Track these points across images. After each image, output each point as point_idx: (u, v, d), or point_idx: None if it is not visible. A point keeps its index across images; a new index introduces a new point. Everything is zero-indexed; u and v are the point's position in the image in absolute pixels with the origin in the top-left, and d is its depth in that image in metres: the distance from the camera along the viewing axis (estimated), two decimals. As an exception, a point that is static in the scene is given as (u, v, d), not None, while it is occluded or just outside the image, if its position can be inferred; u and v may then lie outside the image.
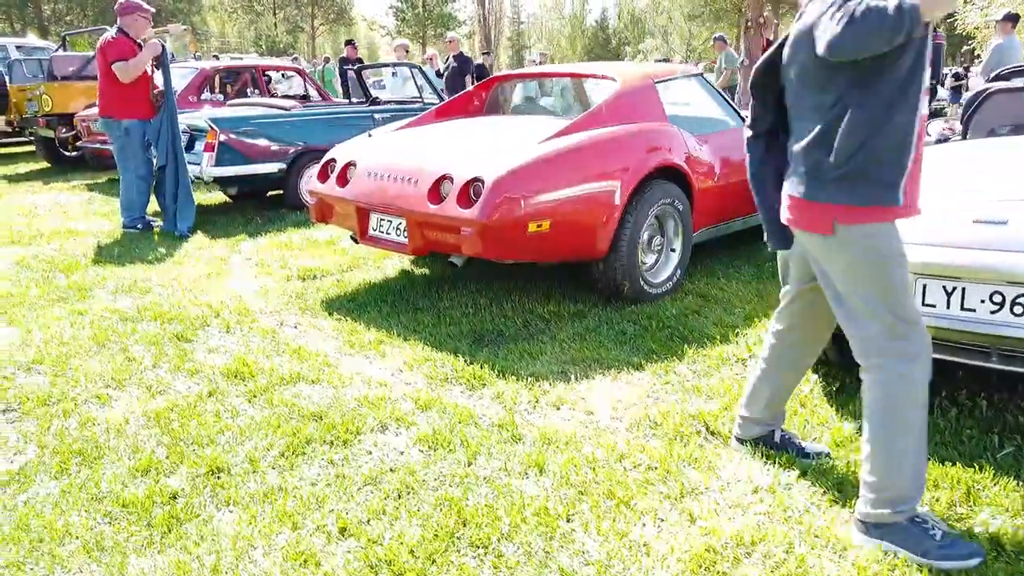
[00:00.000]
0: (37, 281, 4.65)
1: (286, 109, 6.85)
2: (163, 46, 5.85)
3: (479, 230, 3.51)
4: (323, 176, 4.37)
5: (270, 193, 7.36)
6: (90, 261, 5.15)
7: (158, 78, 5.92)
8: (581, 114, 4.33)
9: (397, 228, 3.90)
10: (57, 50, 11.21)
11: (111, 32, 5.75)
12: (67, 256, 5.27)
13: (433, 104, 7.70)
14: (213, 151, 6.27)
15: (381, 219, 4.00)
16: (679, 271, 4.27)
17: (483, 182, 3.55)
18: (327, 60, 18.73)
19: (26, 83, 10.52)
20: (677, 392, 3.02)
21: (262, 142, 6.55)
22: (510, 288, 4.34)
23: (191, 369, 3.30)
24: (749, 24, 8.37)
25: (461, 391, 3.07)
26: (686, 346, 3.49)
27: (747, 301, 4.15)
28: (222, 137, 6.28)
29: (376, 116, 7.25)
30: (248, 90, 9.72)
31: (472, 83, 12.30)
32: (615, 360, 3.34)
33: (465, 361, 3.31)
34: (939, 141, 3.76)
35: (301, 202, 6.82)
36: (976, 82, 9.23)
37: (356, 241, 4.46)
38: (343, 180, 4.21)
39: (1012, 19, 8.20)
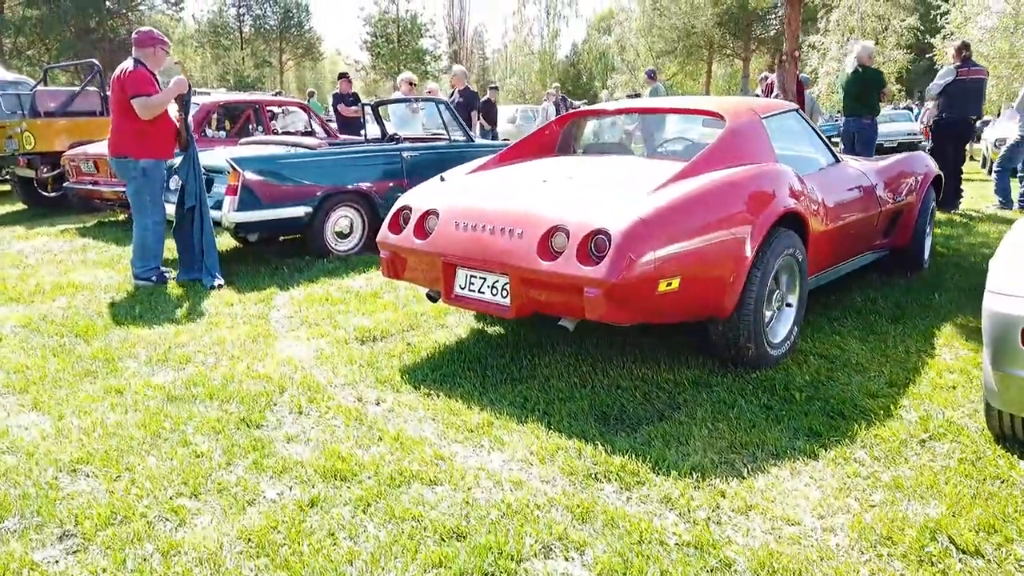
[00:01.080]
0: (54, 350, 4.00)
1: (311, 148, 6.30)
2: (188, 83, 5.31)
3: (607, 291, 3.00)
4: (396, 226, 3.83)
5: (282, 238, 6.79)
6: (108, 322, 4.51)
7: (172, 111, 5.36)
8: (685, 155, 3.87)
9: (495, 287, 3.38)
10: (37, 84, 10.53)
11: (128, 64, 5.18)
12: (79, 316, 4.62)
13: (461, 141, 7.25)
14: (236, 194, 5.68)
15: (473, 276, 3.46)
16: (796, 329, 3.81)
17: (608, 235, 3.05)
18: (311, 94, 18.18)
19: (3, 119, 9.81)
20: (877, 489, 2.52)
21: (288, 184, 5.98)
22: (609, 350, 3.83)
23: (276, 467, 2.71)
24: (784, 58, 8.05)
25: (616, 491, 2.53)
26: (848, 423, 3.01)
27: (878, 362, 3.69)
28: (246, 178, 5.70)
29: (405, 155, 6.74)
30: (251, 127, 9.14)
31: (479, 118, 11.88)
32: (779, 445, 2.83)
33: (604, 450, 2.78)
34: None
35: (327, 248, 6.25)
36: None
37: (433, 299, 3.93)
38: (422, 231, 3.68)
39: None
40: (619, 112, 4.80)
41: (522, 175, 3.94)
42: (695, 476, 2.60)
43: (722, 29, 38.00)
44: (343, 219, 6.38)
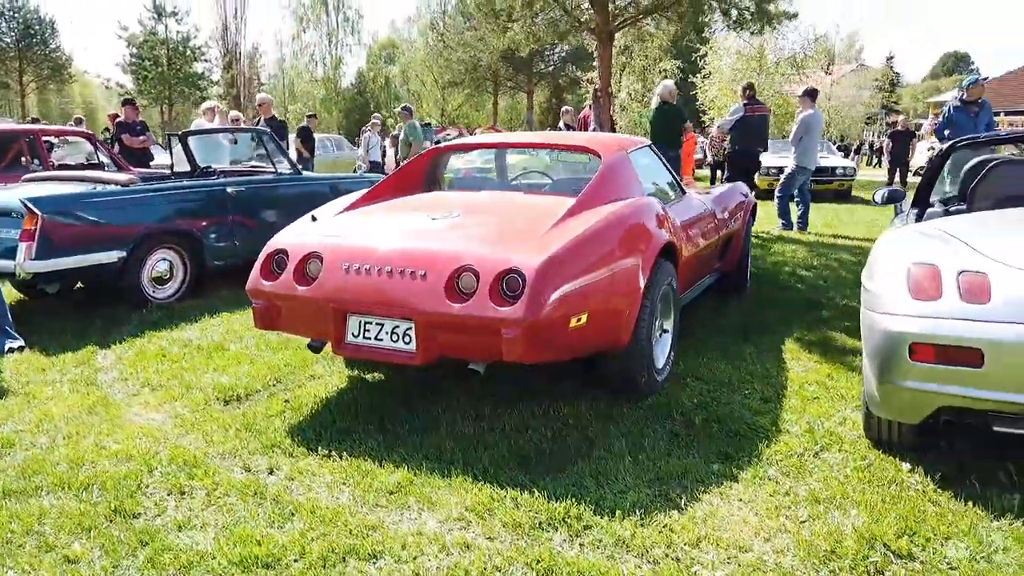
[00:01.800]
0: None
1: (121, 184, 5.60)
2: None
3: (525, 330, 2.92)
4: (268, 272, 3.48)
5: (78, 286, 5.95)
6: None
7: None
8: (565, 190, 3.92)
9: (395, 333, 3.16)
10: None
11: None
12: None
13: (288, 174, 6.84)
14: (32, 240, 4.88)
15: (368, 322, 3.22)
16: (672, 354, 3.98)
17: (521, 274, 2.98)
18: (79, 121, 16.30)
19: None
20: (799, 505, 2.67)
21: (97, 226, 5.25)
22: (502, 389, 3.74)
23: (179, 563, 2.31)
24: (599, 94, 8.51)
25: (567, 540, 2.45)
26: (749, 442, 3.17)
27: (747, 380, 3.95)
28: (45, 221, 4.92)
29: (230, 190, 6.21)
30: (23, 160, 7.97)
31: (291, 148, 11.31)
32: (700, 472, 2.90)
33: (540, 496, 2.68)
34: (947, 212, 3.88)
35: (145, 296, 5.56)
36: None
37: (316, 350, 3.62)
38: (302, 276, 3.37)
39: (811, 94, 9.24)
40: (491, 147, 4.76)
41: (406, 213, 3.77)
42: (638, 513, 2.58)
43: (507, 63, 39.60)
44: (162, 263, 5.73)
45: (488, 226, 3.43)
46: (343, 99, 54.36)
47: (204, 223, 5.97)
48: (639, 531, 2.48)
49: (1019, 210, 3.31)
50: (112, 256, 5.29)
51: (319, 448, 3.11)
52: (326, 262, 3.32)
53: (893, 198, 4.62)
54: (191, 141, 7.10)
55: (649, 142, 4.66)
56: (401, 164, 6.63)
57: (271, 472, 2.95)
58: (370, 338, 3.22)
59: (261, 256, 3.54)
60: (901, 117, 19.63)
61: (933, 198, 4.28)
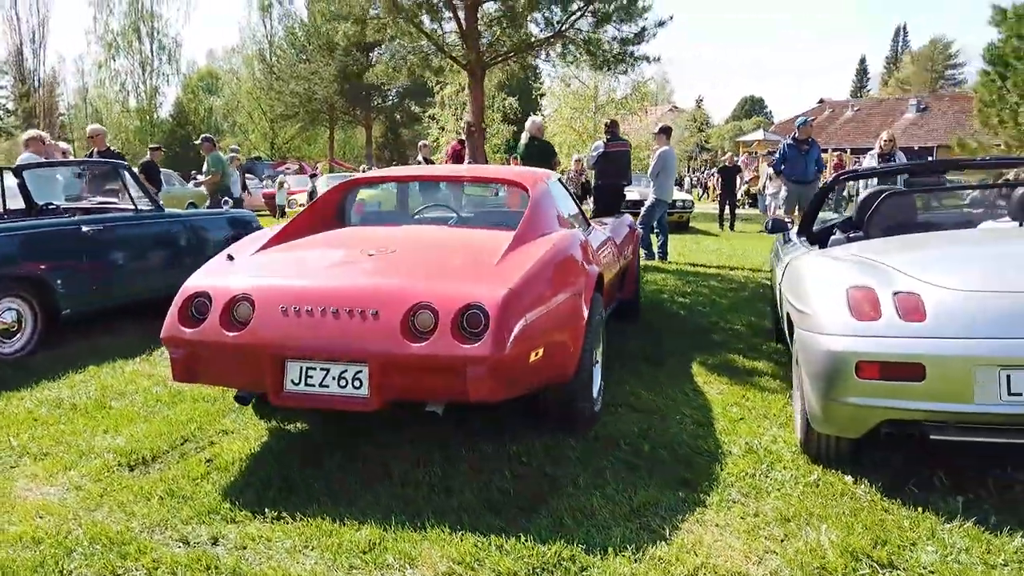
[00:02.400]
0: None
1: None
2: None
3: (491, 367, 2.82)
4: (186, 318, 3.12)
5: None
6: None
7: None
8: (494, 223, 3.87)
9: (344, 377, 2.94)
10: None
11: None
12: None
13: (148, 210, 6.26)
14: None
15: (310, 368, 2.97)
16: (603, 384, 4.01)
17: (483, 309, 2.88)
18: None
19: None
20: (771, 524, 2.74)
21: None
22: (433, 430, 3.57)
23: (145, 663, 1.97)
24: (472, 129, 8.56)
25: (568, 587, 2.36)
26: (701, 467, 3.24)
27: (672, 406, 4.05)
28: None
29: (85, 229, 5.56)
30: None
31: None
32: (671, 501, 2.91)
33: (524, 541, 2.57)
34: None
35: (-11, 353, 4.84)
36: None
37: (245, 402, 3.29)
38: (229, 321, 3.06)
39: (666, 131, 9.84)
40: (409, 179, 4.59)
41: (336, 249, 3.54)
42: (629, 549, 2.54)
43: (343, 97, 39.01)
44: (8, 312, 5.02)
45: (433, 261, 3.31)
46: (160, 131, 50.95)
47: (55, 267, 5.30)
48: (636, 567, 2.44)
49: (922, 235, 3.67)
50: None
51: (264, 510, 2.81)
52: (259, 305, 3.04)
53: (777, 228, 4.98)
54: (27, 175, 6.36)
55: (558, 175, 4.72)
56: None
57: (215, 542, 2.62)
58: (314, 385, 2.97)
59: (177, 301, 3.18)
60: (729, 154, 21.37)
61: (819, 225, 4.65)
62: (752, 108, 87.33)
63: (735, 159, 19.71)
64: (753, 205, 23.03)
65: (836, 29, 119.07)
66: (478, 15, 8.03)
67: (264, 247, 3.64)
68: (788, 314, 3.58)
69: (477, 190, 4.48)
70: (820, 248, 4.10)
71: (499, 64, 8.59)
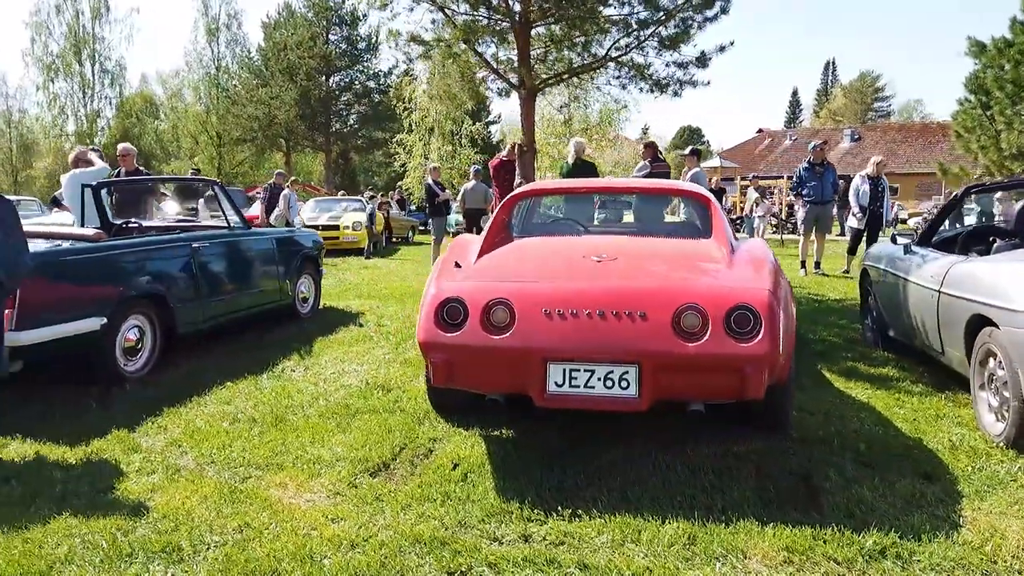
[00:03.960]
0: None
1: (89, 239, 4.72)
2: None
3: (769, 366, 2.95)
4: (442, 324, 3.14)
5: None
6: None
7: None
8: (681, 233, 4.01)
9: (611, 378, 3.00)
10: None
11: None
12: None
13: (240, 228, 6.19)
14: (14, 308, 3.96)
15: (574, 370, 3.03)
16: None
17: (751, 309, 2.99)
18: None
19: None
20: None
21: (80, 288, 4.40)
22: (623, 427, 3.65)
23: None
24: (524, 148, 8.69)
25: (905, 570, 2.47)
26: (931, 464, 3.40)
27: (838, 410, 4.20)
28: (27, 284, 4.02)
29: (195, 246, 5.47)
30: None
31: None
32: (939, 494, 3.04)
33: (841, 533, 2.66)
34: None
35: (118, 372, 4.68)
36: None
37: (495, 404, 3.31)
38: (489, 325, 3.09)
39: (696, 153, 10.15)
40: (584, 191, 4.67)
41: (559, 255, 3.61)
42: (939, 536, 2.66)
43: (303, 121, 38.68)
44: (132, 330, 4.88)
45: (668, 266, 3.41)
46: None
47: (174, 284, 5.19)
48: (960, 551, 2.55)
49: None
50: (94, 324, 4.42)
51: (557, 507, 2.84)
52: (519, 309, 3.09)
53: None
54: (103, 193, 6.21)
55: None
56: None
57: (527, 539, 2.65)
58: (579, 386, 3.04)
59: (429, 307, 3.19)
60: (715, 178, 21.98)
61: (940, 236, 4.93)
62: (691, 138, 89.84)
63: (720, 183, 20.30)
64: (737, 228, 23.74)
65: (768, 61, 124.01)
66: (531, 37, 8.21)
67: (480, 254, 3.68)
68: (972, 317, 3.76)
69: (641, 202, 4.61)
70: (964, 255, 4.33)
71: (551, 86, 8.75)
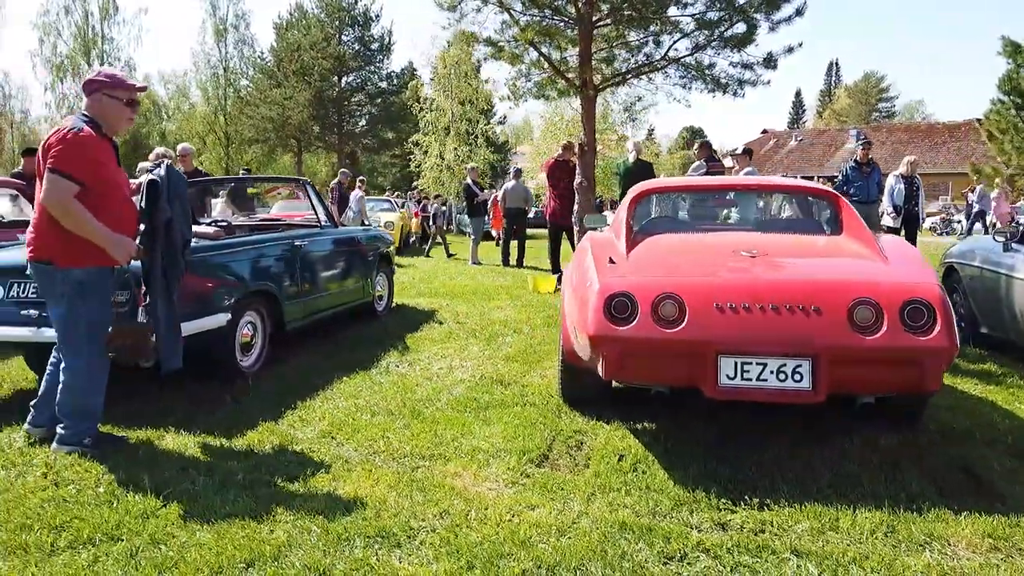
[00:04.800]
0: None
1: (210, 236, 4.79)
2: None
3: (948, 359, 3.03)
4: (611, 318, 3.20)
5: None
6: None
7: None
8: (813, 229, 4.09)
9: (784, 371, 3.08)
10: None
11: (75, 120, 3.31)
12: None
13: (329, 225, 6.26)
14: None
15: (746, 363, 3.10)
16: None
17: (925, 303, 3.06)
18: None
19: None
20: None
21: (212, 283, 4.47)
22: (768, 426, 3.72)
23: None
24: (585, 148, 8.75)
25: None
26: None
27: (943, 402, 4.27)
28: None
29: (297, 243, 5.54)
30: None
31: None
32: None
33: None
34: None
35: (237, 368, 4.74)
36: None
37: (661, 397, 3.38)
38: (658, 318, 3.16)
39: (749, 153, 10.21)
40: (714, 188, 4.74)
41: (710, 250, 3.68)
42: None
43: (317, 122, 38.74)
44: (248, 326, 4.95)
45: (824, 261, 3.48)
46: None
47: (281, 281, 5.26)
48: None
49: None
50: (220, 320, 4.49)
51: (740, 495, 2.91)
52: (690, 303, 3.16)
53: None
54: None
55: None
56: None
57: (723, 527, 2.72)
58: (751, 379, 3.11)
59: (596, 301, 3.25)
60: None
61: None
62: (693, 138, 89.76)
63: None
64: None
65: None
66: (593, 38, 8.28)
67: (628, 250, 3.75)
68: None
69: (760, 199, 4.68)
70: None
71: (613, 86, 8.82)
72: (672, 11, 7.86)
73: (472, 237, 13.88)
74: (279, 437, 3.67)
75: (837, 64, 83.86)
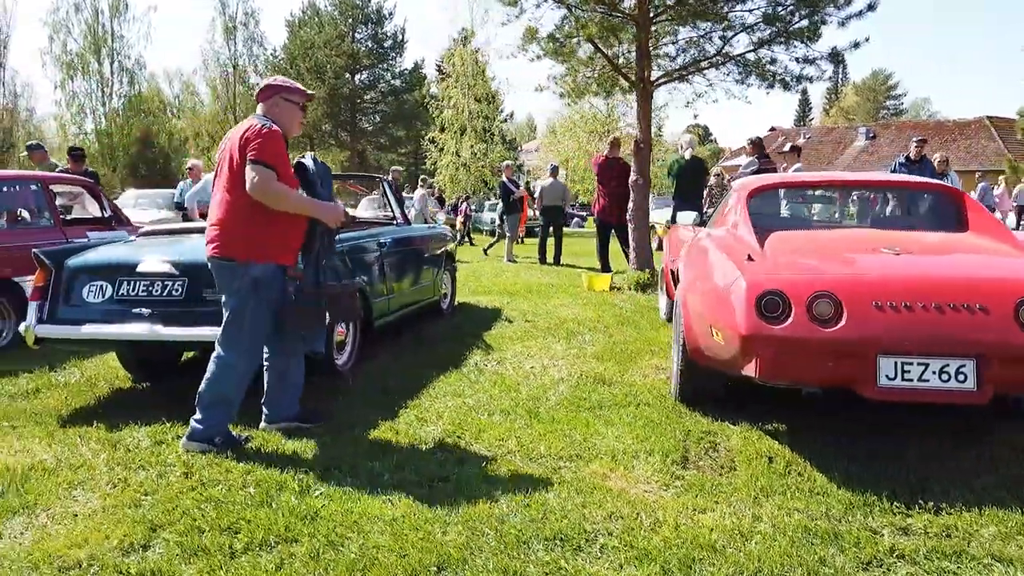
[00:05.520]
0: None
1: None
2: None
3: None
4: (763, 317, 3.13)
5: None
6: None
7: None
8: (936, 225, 4.03)
9: (947, 372, 3.01)
10: None
11: (262, 119, 3.40)
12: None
13: (402, 223, 6.21)
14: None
15: (906, 363, 3.03)
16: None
17: (1089, 302, 3.00)
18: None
19: None
20: None
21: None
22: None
23: None
24: (641, 145, 8.68)
25: None
26: None
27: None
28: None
29: (382, 240, 5.48)
30: (27, 211, 6.40)
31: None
32: None
33: None
34: None
35: (335, 367, 4.68)
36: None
37: (812, 397, 3.31)
38: (812, 318, 3.10)
39: (797, 150, 10.15)
40: (837, 184, 4.69)
41: (851, 246, 3.63)
42: None
43: (331, 120, 38.74)
44: (341, 324, 4.88)
45: (974, 257, 3.42)
46: (126, 154, 49.21)
47: (368, 278, 5.21)
48: None
49: None
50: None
51: (910, 499, 2.85)
52: (847, 301, 3.09)
53: None
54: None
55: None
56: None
57: (905, 532, 2.65)
58: (912, 379, 3.04)
59: (747, 300, 3.18)
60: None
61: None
62: (699, 137, 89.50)
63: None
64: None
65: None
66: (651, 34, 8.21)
67: (760, 246, 3.68)
68: None
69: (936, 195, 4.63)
70: None
71: (670, 82, 8.76)
72: (738, 6, 7.78)
73: (508, 235, 13.83)
74: (406, 437, 3.61)
75: (843, 61, 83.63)
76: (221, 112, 46.13)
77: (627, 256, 9.96)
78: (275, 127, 3.35)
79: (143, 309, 3.97)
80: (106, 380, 4.74)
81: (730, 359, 3.34)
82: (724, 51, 8.40)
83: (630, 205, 8.88)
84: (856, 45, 7.86)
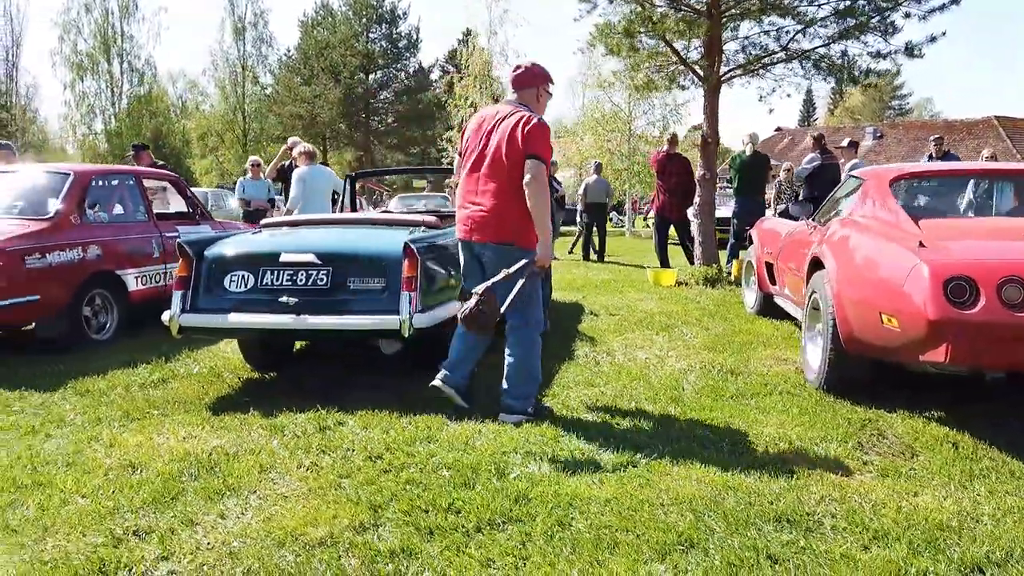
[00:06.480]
0: None
1: (432, 225, 4.74)
2: None
3: None
4: (950, 301, 3.12)
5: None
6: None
7: None
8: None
9: None
10: None
11: (528, 111, 3.58)
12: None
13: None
14: (414, 289, 3.97)
15: (1095, 347, 3.03)
16: None
17: None
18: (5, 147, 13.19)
19: None
20: None
21: (446, 273, 4.42)
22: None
23: None
24: (708, 140, 8.68)
25: None
26: None
27: None
28: (426, 266, 4.09)
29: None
30: (121, 205, 6.38)
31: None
32: None
33: None
34: None
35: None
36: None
37: (1003, 380, 3.31)
38: (1002, 302, 3.09)
39: (854, 145, 10.14)
40: (969, 173, 4.69)
41: (1003, 232, 3.66)
42: None
43: (346, 120, 38.70)
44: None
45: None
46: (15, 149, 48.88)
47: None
48: None
49: None
50: (452, 310, 4.41)
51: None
52: (1033, 284, 3.09)
53: None
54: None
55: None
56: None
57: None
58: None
59: (933, 285, 3.16)
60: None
61: None
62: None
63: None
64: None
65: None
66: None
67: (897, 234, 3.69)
68: None
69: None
70: None
71: (737, 77, 8.75)
72: (805, 2, 7.78)
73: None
74: (563, 425, 3.58)
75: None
76: (230, 112, 46.09)
77: (687, 252, 9.95)
78: (545, 122, 3.56)
79: (288, 298, 3.95)
80: (228, 370, 4.72)
81: (907, 345, 3.33)
82: (790, 45, 8.38)
83: (696, 200, 8.87)
84: (933, 39, 7.86)
